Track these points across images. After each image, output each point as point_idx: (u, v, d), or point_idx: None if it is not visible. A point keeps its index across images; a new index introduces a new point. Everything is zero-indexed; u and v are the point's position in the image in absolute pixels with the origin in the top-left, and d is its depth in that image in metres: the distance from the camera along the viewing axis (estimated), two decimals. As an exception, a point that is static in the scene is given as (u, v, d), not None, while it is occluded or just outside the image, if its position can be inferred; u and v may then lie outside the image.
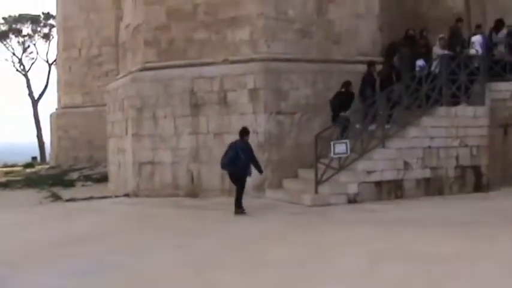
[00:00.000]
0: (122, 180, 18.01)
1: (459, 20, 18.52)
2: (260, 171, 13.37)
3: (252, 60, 16.15)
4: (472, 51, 16.81)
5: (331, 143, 14.31)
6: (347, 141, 14.35)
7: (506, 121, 16.90)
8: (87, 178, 22.48)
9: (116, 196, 17.14)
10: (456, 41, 17.32)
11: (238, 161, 13.08)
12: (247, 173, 13.24)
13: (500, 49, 17.47)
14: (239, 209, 13.30)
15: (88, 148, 26.49)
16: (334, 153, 14.26)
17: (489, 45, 17.47)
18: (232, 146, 13.32)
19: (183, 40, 16.94)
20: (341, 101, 15.72)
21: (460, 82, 16.05)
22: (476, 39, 17.07)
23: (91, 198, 16.92)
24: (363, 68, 17.09)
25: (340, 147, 14.14)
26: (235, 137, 16.14)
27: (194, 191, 16.46)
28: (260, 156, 15.77)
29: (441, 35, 17.29)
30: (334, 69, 16.82)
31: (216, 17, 16.60)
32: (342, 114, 15.38)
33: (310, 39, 16.75)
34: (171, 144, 16.74)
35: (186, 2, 16.89)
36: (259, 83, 16.01)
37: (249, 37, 16.29)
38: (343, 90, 15.95)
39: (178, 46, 16.98)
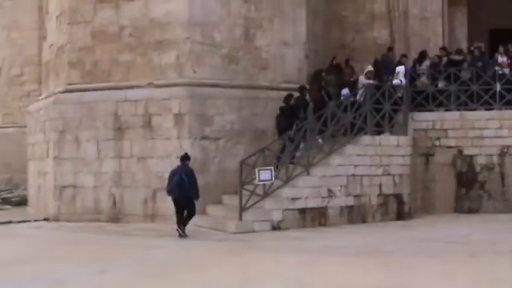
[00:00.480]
0: (42, 203, 17.51)
1: (390, 49, 18.98)
2: (197, 197, 13.46)
3: (177, 84, 16.01)
4: (396, 82, 17.14)
5: (256, 170, 14.25)
6: (272, 168, 14.33)
7: (428, 150, 17.31)
8: (6, 201, 21.78)
9: (36, 220, 16.65)
10: (386, 70, 17.64)
11: (184, 185, 13.24)
12: (195, 196, 13.39)
13: (423, 80, 17.93)
14: (183, 232, 13.41)
15: (7, 170, 25.65)
16: (259, 180, 14.21)
17: (413, 75, 17.91)
18: (176, 172, 13.44)
19: (108, 62, 16.68)
20: (286, 118, 15.88)
21: (384, 111, 16.31)
22: (401, 69, 17.42)
23: (9, 222, 16.35)
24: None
25: (265, 174, 14.10)
26: (159, 161, 15.93)
27: (116, 216, 16.12)
28: (184, 181, 15.64)
29: (369, 68, 17.49)
30: (260, 95, 16.88)
31: (142, 40, 16.42)
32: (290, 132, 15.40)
33: (236, 65, 16.77)
34: (93, 168, 16.39)
35: (111, 23, 16.66)
36: (184, 108, 15.87)
37: (175, 61, 16.16)
38: (284, 105, 16.13)
39: (103, 68, 16.70)
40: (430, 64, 18.23)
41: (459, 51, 18.68)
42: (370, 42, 20.60)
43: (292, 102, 16.24)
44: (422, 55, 18.74)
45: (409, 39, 20.40)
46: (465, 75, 17.60)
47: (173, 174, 13.48)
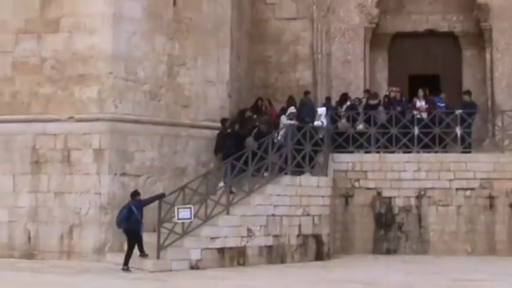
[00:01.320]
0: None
1: (307, 92, 19.38)
2: (160, 196, 14.25)
3: (98, 119, 15.83)
4: (318, 123, 17.46)
5: (176, 208, 14.17)
6: (191, 206, 14.27)
7: (347, 191, 17.64)
8: None
9: None
10: (304, 112, 17.95)
11: (132, 217, 13.71)
12: (141, 228, 13.79)
13: (344, 122, 18.35)
14: (125, 265, 13.74)
15: None
16: (178, 218, 14.12)
17: (334, 117, 18.31)
18: (125, 206, 14.01)
19: (27, 94, 16.36)
20: (233, 143, 16.39)
21: (305, 152, 16.54)
22: (322, 111, 17.78)
23: None
24: (210, 133, 17.35)
25: (184, 213, 14.03)
26: (77, 197, 15.79)
27: (31, 252, 15.70)
28: (102, 218, 15.45)
29: (291, 110, 17.77)
30: (181, 132, 16.90)
31: (64, 73, 16.20)
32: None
33: (159, 101, 16.75)
34: (8, 203, 15.95)
35: (33, 54, 16.40)
36: (104, 143, 15.70)
37: (97, 96, 16.00)
38: (229, 131, 16.52)
39: (23, 100, 16.37)
40: (348, 106, 18.67)
41: (375, 96, 19.24)
42: (293, 83, 20.99)
43: (236, 128, 16.78)
44: (344, 97, 19.25)
45: (332, 81, 20.92)
46: (381, 118, 18.09)
47: (123, 208, 14.01)
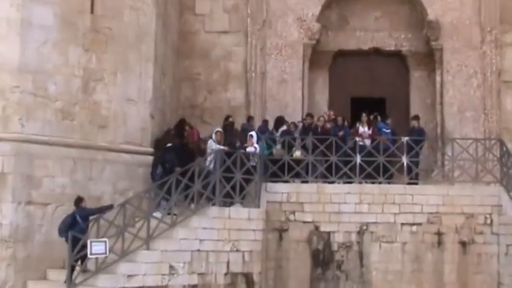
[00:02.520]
0: None
1: (250, 118, 19.98)
2: (108, 208, 15.12)
3: (1, 139, 15.65)
4: (251, 149, 17.80)
5: (88, 241, 14.25)
6: (106, 240, 14.35)
7: (281, 225, 17.84)
8: None
9: None
10: (231, 137, 18.39)
11: (76, 228, 14.35)
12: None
13: (279, 148, 18.70)
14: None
15: None
16: (91, 253, 14.20)
17: (269, 143, 18.70)
18: (70, 214, 14.72)
19: None
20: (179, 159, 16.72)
21: (235, 180, 16.77)
22: (253, 135, 18.14)
23: None
24: (130, 157, 17.50)
25: (98, 247, 14.11)
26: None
27: None
28: (2, 253, 15.29)
29: (217, 129, 18.19)
30: (97, 156, 16.95)
31: (-37, 87, 16.06)
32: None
33: (72, 121, 16.77)
34: None
35: None
36: (8, 167, 15.55)
37: (1, 113, 15.87)
38: (171, 144, 17.00)
39: None
40: (283, 131, 19.09)
41: (310, 115, 19.88)
42: (224, 103, 21.36)
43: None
44: (279, 121, 19.60)
45: (266, 102, 21.36)
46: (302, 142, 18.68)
47: (67, 216, 14.77)
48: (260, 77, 21.42)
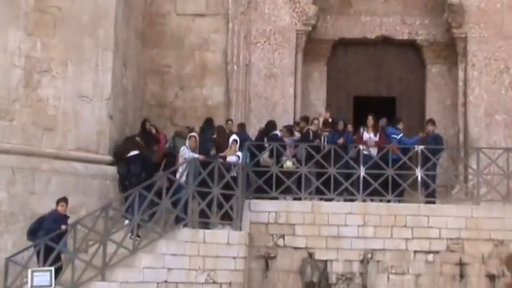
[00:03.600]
0: None
1: (242, 125, 19.92)
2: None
3: None
4: (232, 158, 17.69)
5: (29, 271, 14.07)
6: (51, 269, 14.17)
7: (268, 252, 17.74)
8: None
9: None
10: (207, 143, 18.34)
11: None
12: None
13: (266, 157, 18.54)
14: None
15: None
16: (31, 285, 13.97)
17: (253, 150, 18.54)
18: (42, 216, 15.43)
19: None
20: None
21: (211, 197, 16.63)
22: (234, 140, 18.06)
23: None
24: (82, 167, 17.36)
25: (41, 278, 13.94)
26: None
27: None
28: None
29: (192, 133, 18.03)
30: (42, 165, 16.82)
31: None
32: None
33: (11, 121, 16.70)
34: None
35: None
36: None
37: None
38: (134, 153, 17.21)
39: None
40: (271, 136, 18.90)
41: (305, 119, 19.85)
42: (199, 102, 21.26)
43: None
44: (271, 126, 19.40)
45: (250, 102, 21.29)
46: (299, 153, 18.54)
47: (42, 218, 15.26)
48: (243, 71, 21.34)
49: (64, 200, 15.50)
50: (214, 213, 16.73)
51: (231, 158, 17.69)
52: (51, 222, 15.05)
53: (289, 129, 19.26)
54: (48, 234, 14.70)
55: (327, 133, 19.28)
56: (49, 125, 17.25)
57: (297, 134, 19.31)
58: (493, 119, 21.11)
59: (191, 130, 19.07)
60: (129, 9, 19.87)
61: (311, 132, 19.29)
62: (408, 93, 22.48)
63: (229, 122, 19.91)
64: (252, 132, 20.22)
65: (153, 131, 19.37)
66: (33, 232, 15.08)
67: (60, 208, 15.34)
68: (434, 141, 19.16)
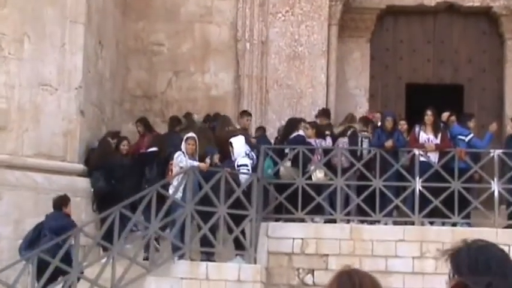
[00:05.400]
0: None
1: (262, 129, 19.98)
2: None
3: None
4: (243, 166, 17.75)
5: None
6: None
7: (292, 291, 17.85)
8: None
9: None
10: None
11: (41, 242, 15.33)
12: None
13: (288, 166, 18.53)
14: None
15: None
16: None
17: (273, 157, 18.60)
18: (36, 225, 15.90)
19: None
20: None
21: (217, 218, 16.69)
22: (238, 143, 17.99)
23: None
24: (43, 179, 17.52)
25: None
26: None
27: None
28: None
29: (189, 135, 17.84)
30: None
31: None
32: None
33: None
34: None
35: None
36: None
37: None
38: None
39: None
40: (292, 138, 18.85)
41: (351, 119, 19.79)
42: (200, 93, 21.42)
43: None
44: (293, 124, 19.37)
45: (268, 92, 21.38)
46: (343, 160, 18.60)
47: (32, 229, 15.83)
48: (258, 50, 21.49)
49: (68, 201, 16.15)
50: (220, 241, 16.80)
51: (243, 162, 17.77)
52: (54, 230, 15.59)
53: (314, 126, 19.29)
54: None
55: (365, 133, 19.28)
56: (-1, 122, 17.40)
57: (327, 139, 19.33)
58: None
59: (190, 124, 19.14)
60: (106, -31, 20.04)
61: (357, 133, 19.37)
62: (481, 79, 22.62)
63: (246, 117, 19.81)
64: (271, 132, 20.34)
65: (141, 130, 19.55)
66: (24, 248, 15.65)
67: (66, 210, 15.98)
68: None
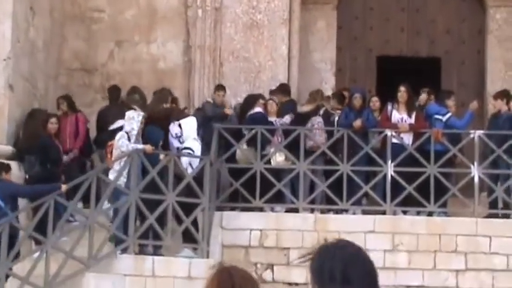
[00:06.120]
0: None
1: (219, 88, 19.89)
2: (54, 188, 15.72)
3: None
4: (190, 144, 17.76)
5: None
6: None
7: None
8: None
9: None
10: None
11: None
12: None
13: (245, 147, 18.67)
14: None
15: None
16: None
17: (227, 138, 18.60)
18: None
19: None
20: None
21: (165, 207, 16.67)
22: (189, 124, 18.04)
23: None
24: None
25: None
26: None
27: None
28: None
29: (135, 112, 17.86)
30: None
31: None
32: None
33: None
34: None
35: None
36: None
37: None
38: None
39: None
40: (251, 115, 18.95)
41: (315, 97, 19.76)
42: (146, 65, 21.43)
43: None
44: (251, 102, 19.42)
45: (222, 65, 21.37)
46: (316, 139, 18.67)
47: None
48: (211, 18, 21.45)
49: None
50: (168, 232, 16.77)
51: (190, 145, 17.76)
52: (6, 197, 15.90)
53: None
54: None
55: (337, 112, 19.34)
56: None
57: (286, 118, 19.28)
58: None
59: (137, 102, 19.08)
60: None
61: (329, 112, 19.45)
62: (460, 51, 22.69)
63: (219, 92, 19.78)
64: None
65: (62, 110, 19.45)
66: None
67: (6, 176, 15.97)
68: (508, 124, 19.17)
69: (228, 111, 18.41)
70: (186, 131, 17.89)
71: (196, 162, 17.42)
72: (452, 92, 20.41)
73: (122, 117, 17.87)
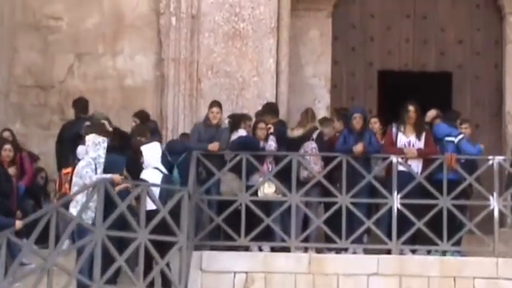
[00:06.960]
0: None
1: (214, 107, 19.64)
2: None
3: None
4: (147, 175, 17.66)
5: None
6: None
7: None
8: None
9: None
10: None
11: None
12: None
13: (230, 176, 18.58)
14: None
15: None
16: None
17: (207, 166, 18.53)
18: None
19: None
20: None
21: (136, 247, 16.52)
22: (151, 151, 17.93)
23: None
24: None
25: None
26: None
27: None
28: None
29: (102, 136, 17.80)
30: None
31: None
32: None
33: None
34: None
35: None
36: None
37: None
38: None
39: None
40: (236, 140, 18.93)
41: (306, 118, 19.71)
42: (111, 82, 21.44)
43: None
44: (235, 123, 19.35)
45: (201, 81, 21.31)
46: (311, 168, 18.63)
47: None
48: (188, 27, 21.47)
49: None
50: (140, 276, 16.63)
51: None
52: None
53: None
54: None
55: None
56: None
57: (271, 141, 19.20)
58: None
59: (101, 127, 18.95)
60: None
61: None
62: (474, 64, 22.77)
63: (213, 109, 19.39)
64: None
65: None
66: None
67: None
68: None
69: (214, 147, 18.16)
70: (148, 159, 17.82)
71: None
72: (459, 113, 20.37)
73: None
